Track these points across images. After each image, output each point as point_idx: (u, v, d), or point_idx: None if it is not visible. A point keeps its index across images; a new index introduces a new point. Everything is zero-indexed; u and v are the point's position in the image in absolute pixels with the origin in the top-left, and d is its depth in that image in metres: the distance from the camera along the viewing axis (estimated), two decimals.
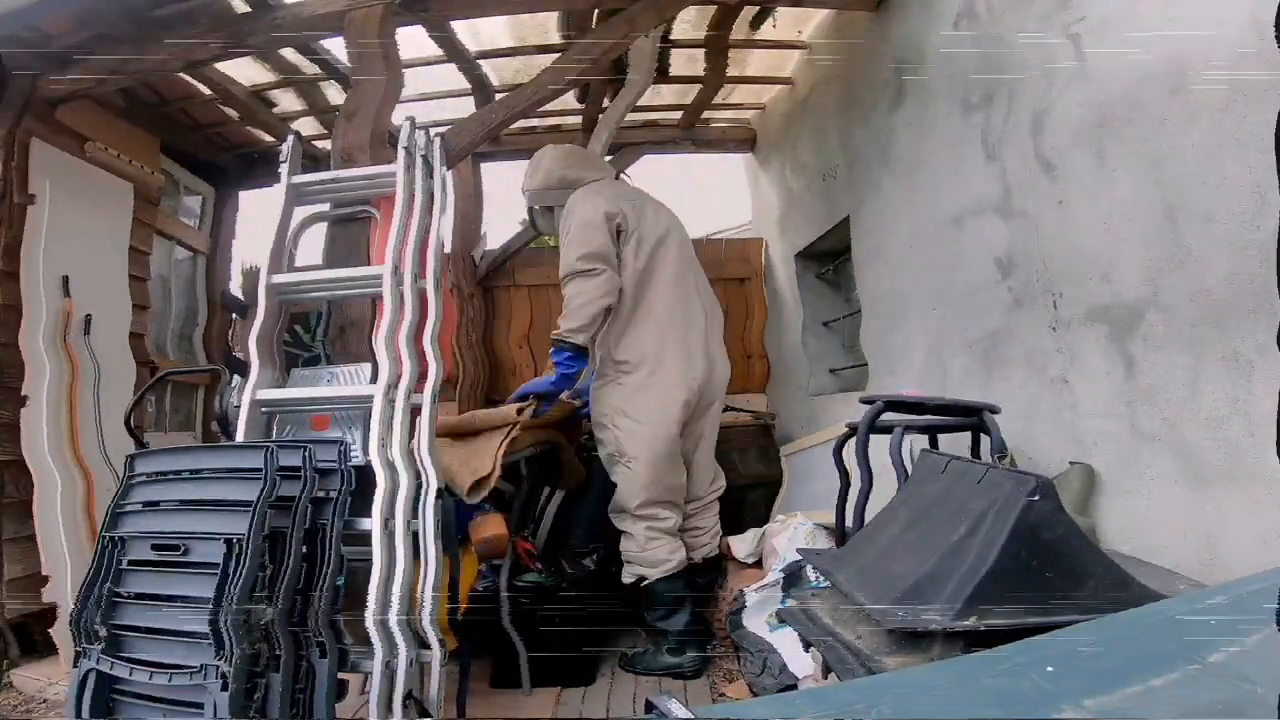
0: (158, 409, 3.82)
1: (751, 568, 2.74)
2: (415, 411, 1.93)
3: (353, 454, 1.89)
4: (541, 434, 2.69)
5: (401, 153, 2.14)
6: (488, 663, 2.50)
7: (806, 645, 1.54)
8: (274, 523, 1.59)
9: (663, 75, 3.78)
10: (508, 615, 2.45)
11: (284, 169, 2.21)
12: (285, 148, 2.24)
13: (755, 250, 4.79)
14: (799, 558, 2.24)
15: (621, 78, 3.60)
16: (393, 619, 1.71)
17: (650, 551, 2.56)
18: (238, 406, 2.04)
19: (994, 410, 1.89)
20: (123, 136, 3.37)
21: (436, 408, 1.97)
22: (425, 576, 1.80)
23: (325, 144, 3.99)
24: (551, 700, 2.41)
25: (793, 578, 2.26)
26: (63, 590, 2.62)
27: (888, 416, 1.95)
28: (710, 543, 2.77)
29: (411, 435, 1.89)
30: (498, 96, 3.72)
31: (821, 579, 1.82)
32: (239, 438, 1.96)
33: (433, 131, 2.29)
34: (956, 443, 1.99)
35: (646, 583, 2.56)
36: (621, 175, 3.17)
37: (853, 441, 1.95)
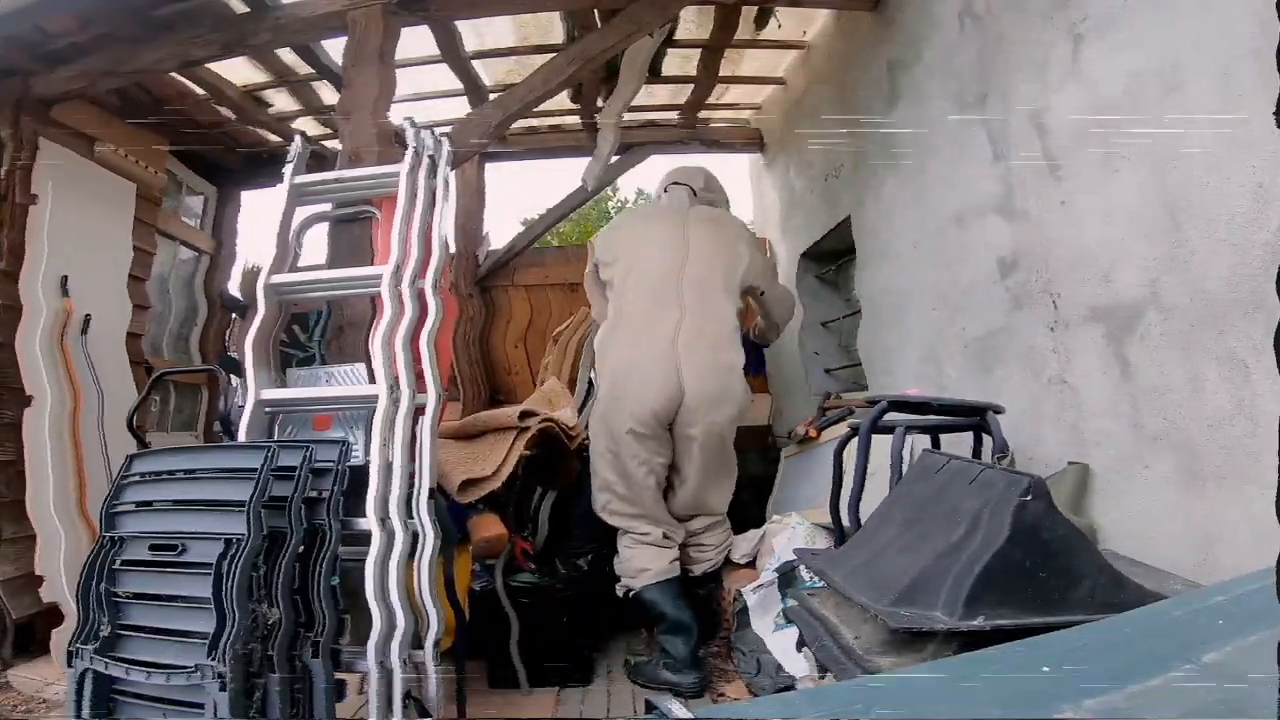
0: (161, 409, 3.82)
1: (745, 568, 2.73)
2: (420, 411, 1.93)
3: (354, 454, 1.88)
4: (537, 436, 2.69)
5: (409, 153, 2.14)
6: (483, 663, 2.50)
7: (800, 645, 1.54)
8: (269, 523, 1.58)
9: (654, 75, 3.78)
10: (504, 590, 2.45)
11: (288, 169, 2.21)
12: (294, 148, 2.24)
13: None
14: (794, 558, 2.24)
15: (613, 78, 3.60)
16: (392, 616, 1.70)
17: (630, 562, 2.58)
18: (242, 406, 2.03)
19: (998, 410, 1.89)
20: (132, 137, 3.36)
21: (439, 408, 1.97)
22: (420, 577, 1.79)
23: (329, 143, 3.99)
24: (551, 700, 2.40)
25: (787, 578, 2.26)
26: (60, 590, 2.61)
27: (889, 416, 1.95)
28: (715, 559, 2.75)
29: (412, 435, 1.89)
30: (491, 96, 3.72)
31: (816, 579, 1.82)
32: (240, 437, 1.95)
33: (438, 132, 2.28)
34: (957, 443, 1.99)
35: (633, 593, 2.56)
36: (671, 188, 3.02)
37: (854, 441, 1.95)
